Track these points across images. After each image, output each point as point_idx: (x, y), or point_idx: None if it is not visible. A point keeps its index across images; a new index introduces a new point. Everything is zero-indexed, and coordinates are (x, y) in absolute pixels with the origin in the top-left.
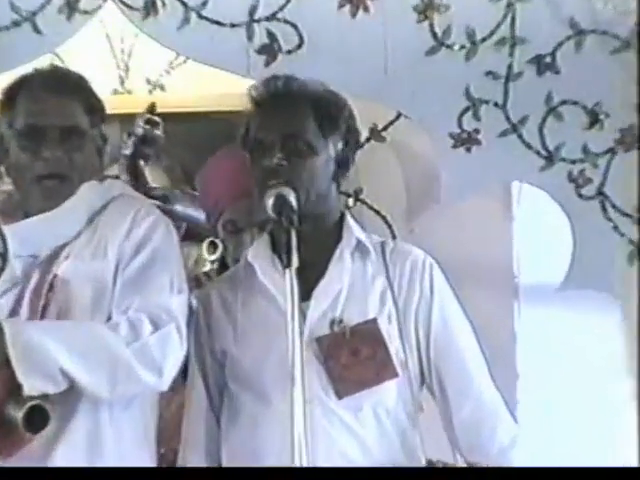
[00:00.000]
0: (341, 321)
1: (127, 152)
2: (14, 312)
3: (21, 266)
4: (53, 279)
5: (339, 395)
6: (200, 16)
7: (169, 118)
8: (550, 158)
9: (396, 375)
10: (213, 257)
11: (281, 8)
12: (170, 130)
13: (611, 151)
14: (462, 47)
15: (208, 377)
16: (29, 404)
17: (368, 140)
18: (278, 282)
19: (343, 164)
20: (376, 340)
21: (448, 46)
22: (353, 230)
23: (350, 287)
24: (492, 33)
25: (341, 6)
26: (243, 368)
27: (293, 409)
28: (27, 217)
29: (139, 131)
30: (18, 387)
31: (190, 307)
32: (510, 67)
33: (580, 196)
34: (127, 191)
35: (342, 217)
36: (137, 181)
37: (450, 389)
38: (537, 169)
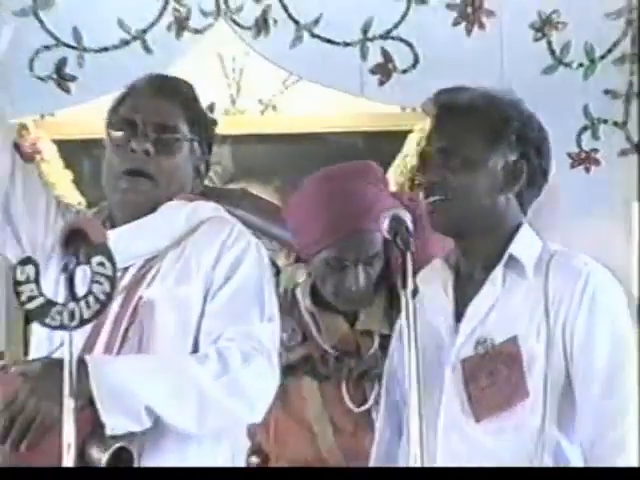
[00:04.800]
0: (485, 341)
1: None
2: (93, 336)
3: None
4: (137, 302)
5: (477, 419)
6: (312, 34)
7: (281, 139)
8: None
9: (526, 396)
10: (301, 279)
11: (395, 26)
12: (282, 151)
13: None
14: (580, 65)
15: (390, 395)
16: (114, 447)
17: None
18: (437, 301)
19: (514, 176)
20: (513, 360)
21: (566, 64)
22: (515, 243)
23: (502, 304)
24: (611, 50)
25: (456, 23)
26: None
27: (410, 433)
28: (112, 225)
29: None
30: (101, 426)
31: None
32: (630, 85)
33: None
34: (218, 214)
35: (517, 230)
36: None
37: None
38: None
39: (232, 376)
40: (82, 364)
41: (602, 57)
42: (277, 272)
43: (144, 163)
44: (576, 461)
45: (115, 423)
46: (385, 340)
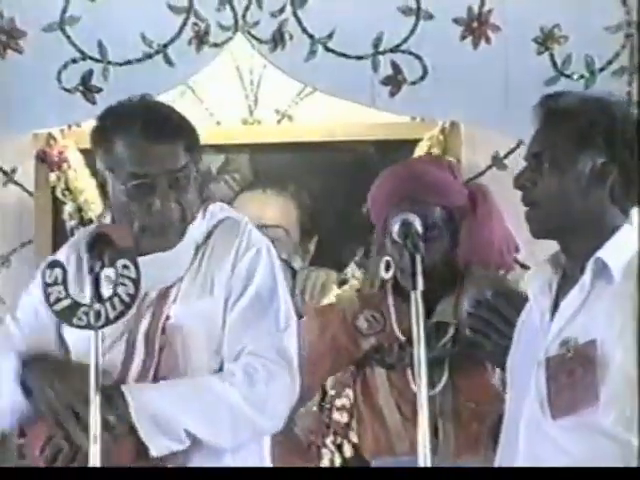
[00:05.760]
0: (569, 341)
1: None
2: (128, 356)
3: None
4: (165, 322)
5: (553, 417)
6: (326, 48)
7: (297, 147)
8: None
9: (596, 401)
10: (388, 276)
11: (405, 40)
12: (298, 159)
13: None
14: (581, 77)
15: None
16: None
17: (490, 167)
18: (540, 299)
19: (602, 178)
20: (589, 363)
21: (568, 76)
22: (605, 248)
23: (588, 307)
24: (610, 63)
25: (463, 37)
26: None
27: None
28: (138, 253)
29: None
30: (145, 450)
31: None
32: (629, 95)
33: None
34: (228, 214)
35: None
36: None
37: None
38: None
39: (258, 394)
40: (119, 393)
41: (602, 69)
42: (293, 274)
43: (170, 216)
44: None
45: (159, 445)
46: (458, 331)
